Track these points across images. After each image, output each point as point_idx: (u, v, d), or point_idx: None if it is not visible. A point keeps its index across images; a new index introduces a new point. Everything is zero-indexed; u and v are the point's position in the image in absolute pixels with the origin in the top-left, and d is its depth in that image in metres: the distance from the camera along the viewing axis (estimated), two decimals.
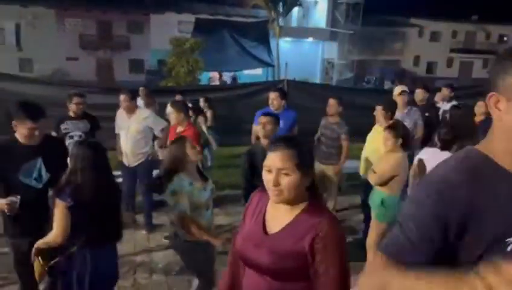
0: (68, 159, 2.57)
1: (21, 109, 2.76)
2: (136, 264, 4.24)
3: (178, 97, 8.06)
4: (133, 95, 4.93)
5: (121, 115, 5.00)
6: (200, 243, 2.81)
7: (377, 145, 4.16)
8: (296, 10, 32.26)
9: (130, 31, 31.60)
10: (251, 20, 25.76)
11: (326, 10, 33.60)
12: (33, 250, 2.52)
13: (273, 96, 4.84)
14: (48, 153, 2.86)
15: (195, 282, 3.13)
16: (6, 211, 2.71)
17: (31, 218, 2.78)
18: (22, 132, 2.77)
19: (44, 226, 2.59)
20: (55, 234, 2.45)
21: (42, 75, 23.87)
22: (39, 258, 2.50)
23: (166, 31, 26.21)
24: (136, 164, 4.89)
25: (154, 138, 5.12)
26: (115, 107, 5.18)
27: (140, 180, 5.05)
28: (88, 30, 30.85)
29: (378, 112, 4.52)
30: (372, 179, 3.84)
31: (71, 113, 4.70)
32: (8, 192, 2.78)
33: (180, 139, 3.03)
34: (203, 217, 2.91)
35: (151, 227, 5.02)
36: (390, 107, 4.58)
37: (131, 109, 4.85)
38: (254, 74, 23.81)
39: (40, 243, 2.51)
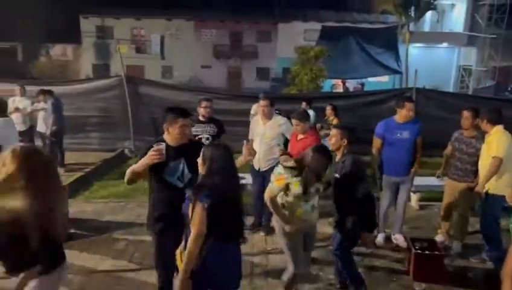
0: (199, 160, 2.70)
1: (171, 111, 3.08)
2: (254, 265, 4.41)
3: (304, 105, 8.20)
4: (272, 101, 5.10)
5: (257, 121, 5.21)
6: None
7: None
8: (429, 14, 30.15)
9: (259, 40, 33.04)
10: (379, 26, 24.88)
11: (464, 13, 30.75)
12: (177, 253, 2.69)
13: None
14: (189, 154, 3.00)
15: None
16: (154, 158, 2.86)
17: (174, 216, 2.86)
18: (173, 132, 3.04)
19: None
20: (194, 235, 2.51)
21: (180, 81, 26.41)
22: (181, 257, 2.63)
23: (292, 39, 26.75)
24: (266, 168, 5.01)
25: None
26: (242, 112, 5.47)
27: (267, 184, 5.14)
28: (221, 40, 33.15)
29: None
30: None
31: (200, 117, 5.05)
32: (154, 190, 3.10)
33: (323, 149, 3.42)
34: (300, 207, 3.36)
35: (269, 229, 5.13)
36: None
37: (269, 115, 5.04)
38: (380, 81, 22.94)
39: (182, 248, 2.67)
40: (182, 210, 2.65)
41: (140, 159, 2.97)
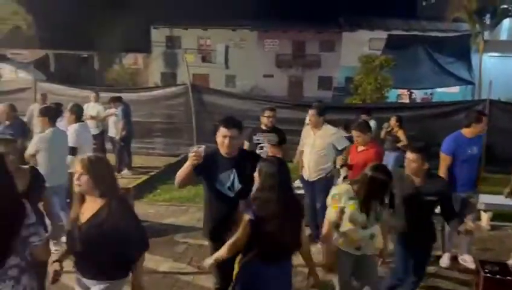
0: (256, 174, 2.73)
1: (220, 120, 3.13)
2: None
3: (364, 117, 8.00)
4: (321, 110, 5.04)
5: (307, 131, 5.19)
6: None
7: None
8: (506, 22, 28.23)
9: (322, 49, 32.83)
10: (450, 34, 23.68)
11: None
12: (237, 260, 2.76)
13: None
14: (241, 165, 3.06)
15: None
16: (194, 160, 2.96)
17: (225, 224, 2.95)
18: (218, 140, 3.08)
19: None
20: (231, 242, 2.65)
21: (242, 90, 26.91)
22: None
23: (357, 48, 26.24)
24: (315, 179, 4.99)
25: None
26: (302, 121, 5.46)
27: (317, 195, 5.05)
28: (284, 50, 33.36)
29: None
30: None
31: (263, 126, 5.11)
32: (207, 198, 3.21)
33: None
34: (357, 234, 3.06)
35: None
36: None
37: (317, 124, 4.99)
38: (450, 92, 21.77)
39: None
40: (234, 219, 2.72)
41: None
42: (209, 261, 2.77)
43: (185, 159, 3.12)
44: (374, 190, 2.97)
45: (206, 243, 3.64)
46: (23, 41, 28.12)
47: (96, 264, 2.50)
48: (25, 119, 7.32)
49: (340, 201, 3.04)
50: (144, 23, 31.80)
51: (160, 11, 31.57)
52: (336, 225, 3.11)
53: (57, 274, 2.53)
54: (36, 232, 2.22)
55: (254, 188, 2.71)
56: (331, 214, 3.10)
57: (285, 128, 5.49)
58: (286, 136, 5.20)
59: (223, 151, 3.08)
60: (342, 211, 3.05)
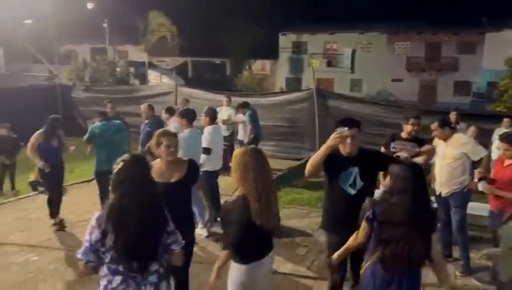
0: (388, 177, 2.68)
1: (338, 122, 3.18)
2: None
3: (505, 123, 7.19)
4: (443, 123, 4.57)
5: (438, 140, 4.77)
6: None
7: None
8: None
9: (460, 52, 30.06)
10: None
11: None
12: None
13: None
14: (363, 163, 3.15)
15: None
16: (336, 140, 3.04)
17: (345, 220, 3.05)
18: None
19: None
20: (351, 241, 2.76)
21: (368, 94, 26.07)
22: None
23: (502, 50, 23.40)
24: (449, 193, 4.54)
25: (474, 167, 4.61)
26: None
27: (452, 211, 4.59)
28: (415, 52, 31.40)
29: None
30: None
31: (403, 134, 4.66)
32: (328, 193, 3.34)
33: None
34: None
35: (467, 266, 4.52)
36: None
37: (443, 136, 4.54)
38: None
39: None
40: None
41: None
42: (336, 256, 2.86)
43: (306, 164, 3.21)
44: None
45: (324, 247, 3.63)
46: (167, 49, 31.51)
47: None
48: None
49: None
50: (272, 30, 32.95)
51: (288, 18, 32.42)
52: None
53: None
54: (176, 239, 2.35)
55: (382, 189, 2.73)
56: None
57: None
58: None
59: (344, 150, 3.17)
60: None
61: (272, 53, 34.27)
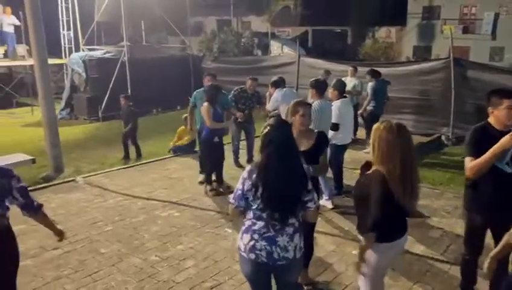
0: None
1: (494, 93, 2.98)
2: None
3: None
4: None
5: None
6: None
7: None
8: None
9: None
10: None
11: None
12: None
13: None
14: None
15: None
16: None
17: (499, 199, 2.94)
18: (498, 114, 2.93)
19: None
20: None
21: (511, 64, 22.94)
22: None
23: None
24: None
25: None
26: None
27: None
28: None
29: None
30: None
31: None
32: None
33: None
34: None
35: None
36: None
37: None
38: None
39: None
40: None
41: (470, 146, 2.97)
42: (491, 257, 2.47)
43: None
44: None
45: (462, 232, 3.36)
46: (289, 19, 31.42)
47: None
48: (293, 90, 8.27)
49: None
50: None
51: None
52: None
53: None
54: (312, 198, 2.52)
55: None
56: None
57: None
58: None
59: (503, 124, 2.93)
60: None
61: (398, 20, 31.92)
